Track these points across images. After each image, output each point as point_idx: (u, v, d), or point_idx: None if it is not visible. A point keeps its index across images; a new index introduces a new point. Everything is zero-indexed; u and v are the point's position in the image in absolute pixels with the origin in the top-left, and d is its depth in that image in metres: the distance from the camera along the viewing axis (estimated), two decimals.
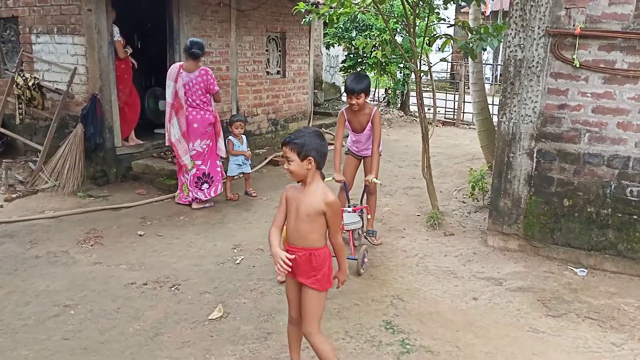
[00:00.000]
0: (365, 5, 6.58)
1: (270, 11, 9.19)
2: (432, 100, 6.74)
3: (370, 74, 13.39)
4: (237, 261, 4.63)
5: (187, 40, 5.98)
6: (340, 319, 3.69)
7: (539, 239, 4.74)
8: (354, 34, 12.10)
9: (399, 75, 13.31)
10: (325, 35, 12.94)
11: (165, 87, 5.99)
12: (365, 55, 12.67)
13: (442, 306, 3.89)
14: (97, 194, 6.43)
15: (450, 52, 17.47)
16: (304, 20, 6.85)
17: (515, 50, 4.56)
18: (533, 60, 4.51)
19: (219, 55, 8.22)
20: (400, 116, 13.37)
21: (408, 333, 3.51)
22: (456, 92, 13.11)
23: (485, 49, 5.12)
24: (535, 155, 4.64)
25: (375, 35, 11.95)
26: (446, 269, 4.54)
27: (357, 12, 6.24)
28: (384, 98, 14.17)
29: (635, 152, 4.26)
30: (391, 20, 9.97)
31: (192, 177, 6.01)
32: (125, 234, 5.25)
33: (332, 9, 6.25)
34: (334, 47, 13.10)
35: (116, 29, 6.66)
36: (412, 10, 5.58)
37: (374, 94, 14.88)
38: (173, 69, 5.94)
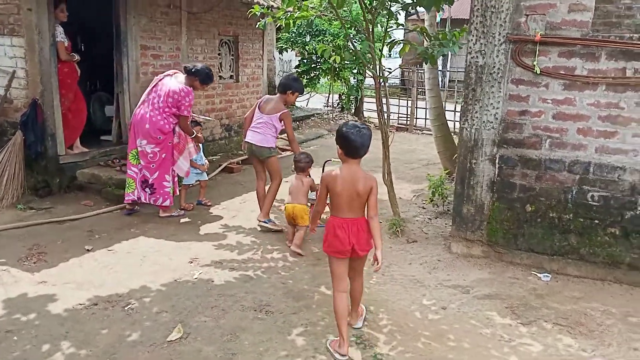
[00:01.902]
0: (321, 9, 6.45)
1: (223, 14, 8.94)
2: (386, 106, 6.68)
3: (324, 80, 13.35)
4: (195, 276, 4.38)
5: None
6: (309, 335, 3.52)
7: (503, 244, 4.73)
8: (307, 38, 11.98)
9: (352, 81, 13.29)
10: (278, 39, 12.78)
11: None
12: (319, 60, 12.58)
13: (411, 317, 3.79)
14: (39, 206, 6.00)
15: (400, 57, 17.68)
16: (258, 23, 6.67)
17: (477, 57, 4.54)
18: (494, 67, 4.49)
19: (169, 58, 7.90)
20: None
21: (380, 347, 3.39)
22: (409, 98, 13.20)
23: (444, 55, 5.08)
24: (497, 161, 4.63)
25: (329, 40, 11.88)
26: (412, 278, 4.45)
27: (313, 17, 6.11)
28: (338, 104, 14.12)
29: (595, 158, 4.30)
30: (346, 24, 9.93)
31: (140, 176, 5.74)
32: (71, 249, 4.90)
33: (288, 13, 6.11)
34: (287, 51, 12.95)
35: (60, 29, 6.26)
36: (370, 14, 5.50)
37: (327, 100, 14.81)
38: (166, 72, 5.83)
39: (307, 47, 12.25)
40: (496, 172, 4.65)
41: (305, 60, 12.81)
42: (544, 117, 4.42)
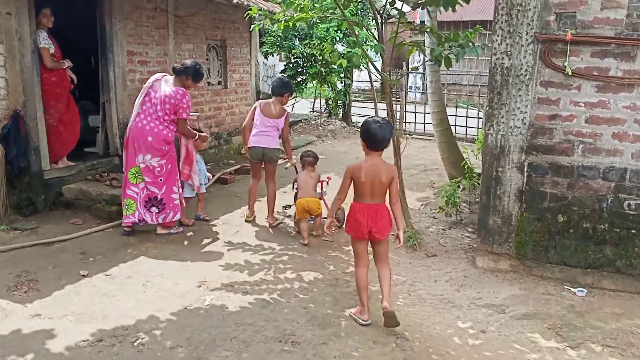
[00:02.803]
0: (323, 11, 6.13)
1: (210, 17, 8.56)
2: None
3: (310, 84, 13.02)
4: (206, 302, 3.99)
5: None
6: None
7: (532, 258, 4.46)
8: (296, 42, 11.63)
9: (339, 85, 12.99)
10: (262, 44, 12.39)
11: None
12: (305, 64, 12.24)
13: (451, 343, 3.48)
14: (23, 226, 5.51)
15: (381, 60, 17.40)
16: (253, 26, 6.34)
17: (502, 58, 4.27)
18: (521, 68, 4.23)
19: (157, 64, 7.47)
20: (343, 127, 13.05)
21: None
22: (398, 102, 12.95)
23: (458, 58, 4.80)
24: (526, 169, 4.37)
25: (316, 43, 11.56)
26: (441, 297, 4.14)
27: (315, 18, 5.78)
28: (325, 109, 13.80)
29: (632, 164, 4.07)
30: (342, 25, 9.58)
31: (143, 196, 5.30)
32: (65, 275, 4.45)
33: (287, 15, 5.79)
34: (272, 56, 12.58)
35: (43, 35, 5.80)
36: (379, 14, 5.20)
37: (314, 105, 14.48)
38: (153, 77, 5.38)
39: (293, 51, 11.90)
40: (525, 181, 4.38)
41: (291, 65, 12.46)
42: (576, 122, 4.17)
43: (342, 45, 12.18)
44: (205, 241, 5.33)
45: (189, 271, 4.59)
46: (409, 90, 16.53)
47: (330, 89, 12.89)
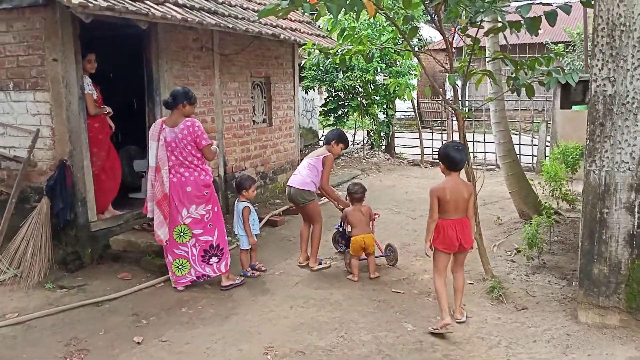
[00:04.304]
0: (381, 41, 5.76)
1: (254, 54, 8.27)
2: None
3: (352, 116, 12.65)
4: None
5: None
6: None
7: None
8: (340, 75, 11.29)
9: (381, 117, 12.57)
10: (302, 78, 12.11)
11: (148, 145, 4.96)
12: (347, 97, 11.89)
13: None
14: (70, 283, 5.15)
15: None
16: (305, 60, 6.02)
17: (604, 85, 3.76)
18: (627, 96, 3.71)
19: (204, 105, 7.17)
20: (387, 159, 12.57)
21: None
22: (444, 131, 12.46)
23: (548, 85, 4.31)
24: (636, 209, 3.80)
25: (358, 75, 11.20)
26: None
27: (374, 50, 5.41)
28: (367, 141, 13.36)
29: None
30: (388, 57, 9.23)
31: (197, 251, 4.92)
32: (117, 341, 4.04)
33: (344, 48, 5.45)
34: (313, 90, 12.28)
35: (87, 80, 5.56)
36: (450, 42, 4.77)
37: (354, 137, 14.09)
38: (155, 127, 4.95)
39: (335, 85, 11.57)
40: (636, 223, 3.81)
41: (332, 98, 12.13)
42: None
43: (384, 76, 11.81)
44: (266, 296, 4.87)
45: (252, 334, 4.12)
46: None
47: (373, 120, 12.47)
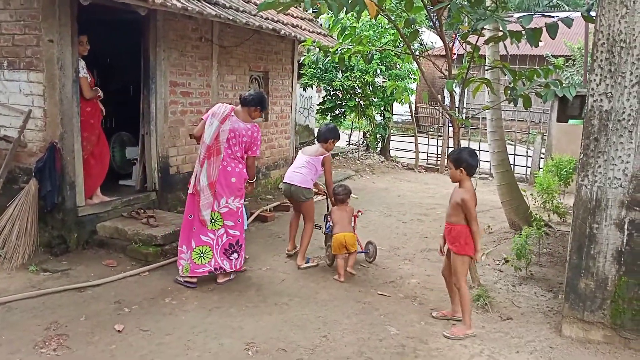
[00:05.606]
0: (381, 43, 5.74)
1: (254, 48, 8.23)
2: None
3: (349, 116, 12.63)
4: None
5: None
6: None
7: (631, 328, 3.85)
8: (339, 74, 11.27)
9: (378, 119, 12.56)
10: (301, 75, 12.07)
11: (206, 121, 4.85)
12: (344, 97, 11.87)
13: None
14: (54, 267, 5.09)
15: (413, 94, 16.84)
16: (304, 57, 5.99)
17: (601, 100, 3.75)
18: (624, 112, 3.70)
19: (200, 96, 7.14)
20: (382, 161, 12.55)
21: None
22: (439, 137, 12.46)
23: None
24: (626, 226, 3.80)
25: (357, 76, 11.18)
26: None
27: (374, 51, 5.38)
28: (362, 142, 13.35)
29: None
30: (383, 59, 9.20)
31: (223, 243, 4.90)
32: (97, 328, 3.99)
33: (345, 47, 5.42)
34: (311, 88, 12.25)
35: (82, 64, 5.49)
36: (450, 48, 4.75)
37: (350, 137, 14.07)
38: (222, 108, 4.89)
39: (333, 84, 11.54)
40: (624, 240, 3.81)
41: (330, 97, 12.10)
42: None
43: (384, 78, 11.80)
44: (249, 291, 4.83)
45: (234, 328, 4.09)
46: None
47: (369, 122, 12.46)
